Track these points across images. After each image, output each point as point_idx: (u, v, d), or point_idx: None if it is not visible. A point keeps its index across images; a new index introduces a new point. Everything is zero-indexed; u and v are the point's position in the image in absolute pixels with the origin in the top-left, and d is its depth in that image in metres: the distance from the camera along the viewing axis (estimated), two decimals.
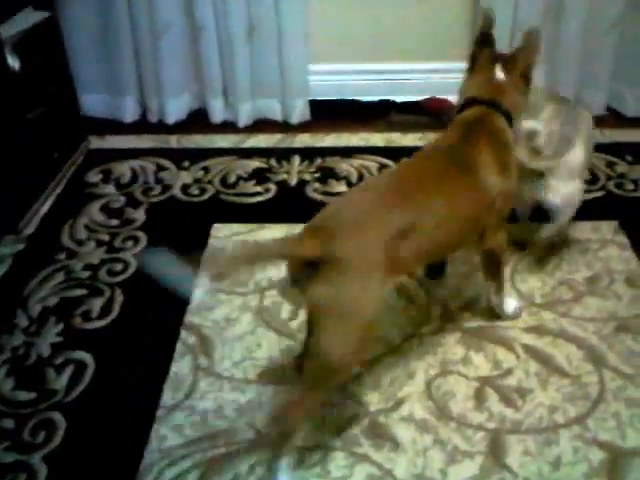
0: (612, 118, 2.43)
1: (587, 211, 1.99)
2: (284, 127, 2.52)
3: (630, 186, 2.12)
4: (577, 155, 1.67)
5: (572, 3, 2.30)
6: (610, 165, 2.21)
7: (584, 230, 1.92)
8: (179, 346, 1.60)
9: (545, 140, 1.65)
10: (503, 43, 2.35)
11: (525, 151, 1.62)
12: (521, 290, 1.72)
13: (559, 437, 1.36)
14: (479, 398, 1.45)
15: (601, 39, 2.35)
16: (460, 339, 1.59)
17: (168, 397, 1.48)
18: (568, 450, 1.33)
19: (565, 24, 2.33)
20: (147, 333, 1.64)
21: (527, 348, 1.56)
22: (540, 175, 1.66)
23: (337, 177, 2.22)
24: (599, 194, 2.09)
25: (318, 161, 2.31)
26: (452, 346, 1.58)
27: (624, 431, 1.36)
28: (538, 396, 1.45)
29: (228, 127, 2.52)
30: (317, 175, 2.23)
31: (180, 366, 1.55)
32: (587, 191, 2.09)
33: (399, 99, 2.63)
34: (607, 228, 1.94)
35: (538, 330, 1.61)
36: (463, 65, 2.56)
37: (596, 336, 1.59)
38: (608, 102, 2.48)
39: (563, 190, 1.67)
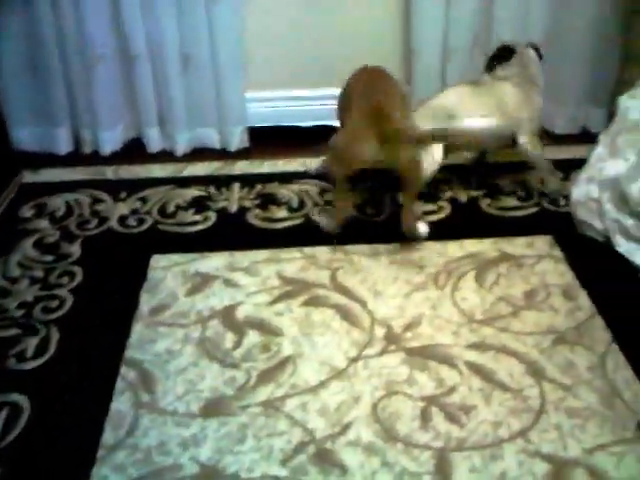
0: (542, 136, 2.50)
1: (522, 227, 2.06)
2: (223, 155, 2.52)
3: (562, 201, 2.18)
4: None
5: (499, 26, 2.38)
6: (543, 182, 2.28)
7: (520, 245, 1.97)
8: (119, 382, 1.55)
9: None
10: (436, 61, 2.45)
11: None
12: (463, 308, 1.75)
13: (504, 452, 1.37)
14: (425, 417, 1.45)
15: None
16: (404, 359, 1.60)
17: (109, 436, 1.43)
18: (513, 464, 1.34)
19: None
20: (85, 371, 1.59)
21: (470, 365, 1.58)
22: None
23: (278, 203, 2.22)
24: (533, 210, 2.15)
25: (258, 187, 2.31)
26: (396, 367, 1.58)
27: (565, 442, 1.39)
28: (482, 412, 1.46)
29: (166, 156, 2.50)
30: (257, 202, 2.23)
31: (121, 403, 1.50)
32: (522, 208, 2.17)
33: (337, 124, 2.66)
34: (542, 243, 1.99)
35: (480, 346, 1.63)
36: None
37: (535, 349, 1.62)
38: None
39: None
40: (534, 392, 1.51)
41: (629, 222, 1.89)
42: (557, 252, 1.95)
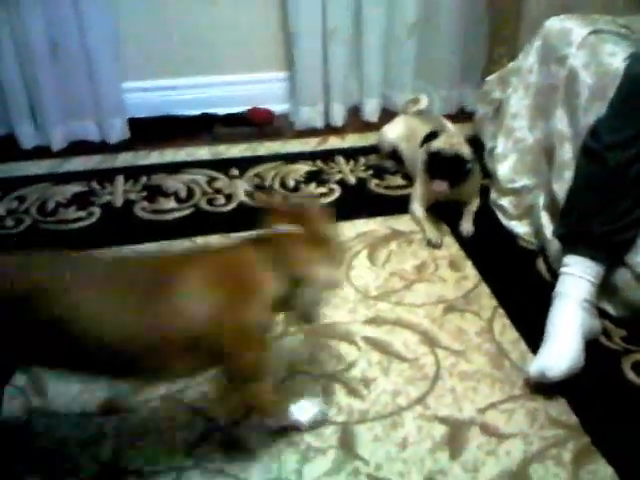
0: None
1: (404, 206, 2.11)
2: (103, 148, 2.43)
3: None
4: None
5: (370, 15, 2.44)
6: None
7: (408, 222, 2.03)
8: None
9: None
10: (316, 42, 2.46)
11: None
12: (358, 286, 1.78)
13: (403, 419, 1.41)
14: (326, 394, 1.47)
15: (401, 45, 2.51)
16: (304, 340, 1.61)
17: None
18: (413, 430, 1.39)
19: (367, 35, 2.48)
20: None
21: (367, 339, 1.61)
22: None
23: (165, 194, 2.17)
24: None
25: (144, 179, 2.24)
26: (297, 348, 1.59)
27: (460, 404, 1.45)
28: (381, 383, 1.50)
29: (41, 152, 2.38)
30: (144, 194, 2.17)
31: None
32: (407, 186, 2.22)
33: (222, 112, 2.63)
34: None
35: (376, 321, 1.67)
36: (280, 74, 2.66)
37: (428, 319, 1.68)
38: None
39: None
40: (429, 360, 1.56)
41: (503, 201, 2.00)
42: (443, 225, 2.03)
